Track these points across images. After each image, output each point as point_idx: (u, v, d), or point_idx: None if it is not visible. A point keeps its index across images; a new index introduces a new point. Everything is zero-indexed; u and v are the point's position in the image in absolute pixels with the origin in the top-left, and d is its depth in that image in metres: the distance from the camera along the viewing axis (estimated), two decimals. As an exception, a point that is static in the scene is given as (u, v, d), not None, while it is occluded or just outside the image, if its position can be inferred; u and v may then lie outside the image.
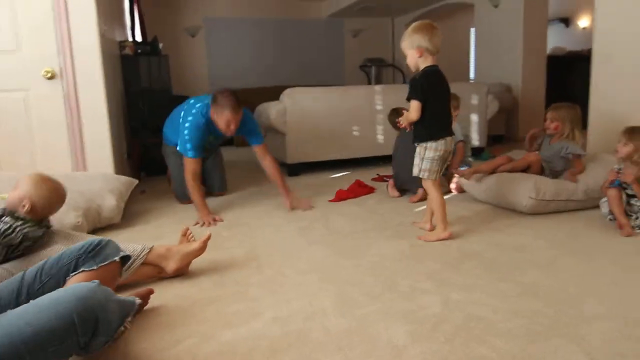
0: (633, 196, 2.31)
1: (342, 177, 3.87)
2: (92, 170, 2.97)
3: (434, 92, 2.18)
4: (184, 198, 3.06)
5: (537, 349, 1.28)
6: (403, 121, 2.25)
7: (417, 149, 2.27)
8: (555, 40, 7.72)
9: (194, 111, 2.87)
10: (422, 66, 2.18)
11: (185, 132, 2.82)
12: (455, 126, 3.13)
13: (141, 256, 1.78)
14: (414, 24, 2.19)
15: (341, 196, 3.12)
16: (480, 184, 2.84)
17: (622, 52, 3.10)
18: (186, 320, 1.51)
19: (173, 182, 3.26)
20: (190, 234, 1.99)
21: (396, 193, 3.14)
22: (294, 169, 4.05)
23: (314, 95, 4.13)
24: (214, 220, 2.68)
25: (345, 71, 7.98)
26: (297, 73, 7.32)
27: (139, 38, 5.38)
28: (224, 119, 2.74)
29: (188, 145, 2.79)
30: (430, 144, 2.20)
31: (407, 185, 3.12)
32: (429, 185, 2.27)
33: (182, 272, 1.88)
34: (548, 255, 1.98)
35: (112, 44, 3.75)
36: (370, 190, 3.32)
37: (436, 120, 2.21)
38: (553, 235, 2.25)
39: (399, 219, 2.61)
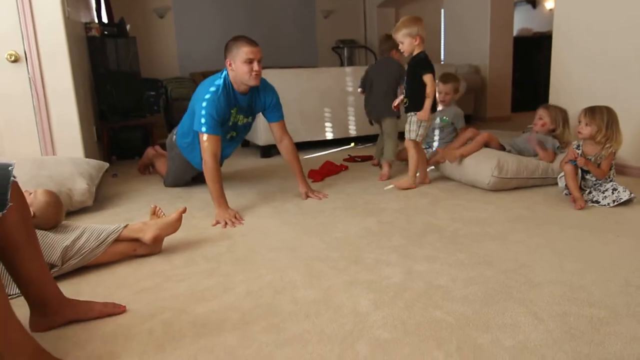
0: (588, 172, 2.45)
1: (314, 159, 3.93)
2: (62, 154, 2.95)
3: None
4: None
5: (488, 311, 1.39)
6: (429, 95, 2.71)
7: (411, 119, 2.78)
8: (522, 21, 7.88)
9: (210, 87, 2.49)
10: (416, 51, 2.71)
11: (203, 110, 2.43)
12: (454, 109, 3.23)
13: (116, 231, 1.82)
14: (409, 17, 2.69)
15: (320, 174, 3.17)
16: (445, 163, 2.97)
17: (581, 33, 3.22)
18: (159, 296, 1.57)
19: (168, 176, 3.11)
20: (159, 210, 2.04)
21: (385, 175, 3.15)
22: (265, 151, 4.09)
23: (284, 77, 4.15)
24: (235, 218, 2.33)
25: (317, 53, 7.96)
26: (269, 55, 7.20)
27: (105, 19, 5.27)
28: (243, 56, 2.36)
29: (203, 120, 2.42)
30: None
31: (384, 114, 3.25)
32: (412, 145, 2.82)
33: (157, 247, 1.92)
34: (505, 228, 2.10)
35: (77, 25, 3.68)
36: (341, 168, 3.40)
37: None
38: (512, 209, 2.38)
39: (367, 198, 2.70)
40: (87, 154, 3.08)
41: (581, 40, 3.22)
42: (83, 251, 1.73)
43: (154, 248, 1.92)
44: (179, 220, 1.94)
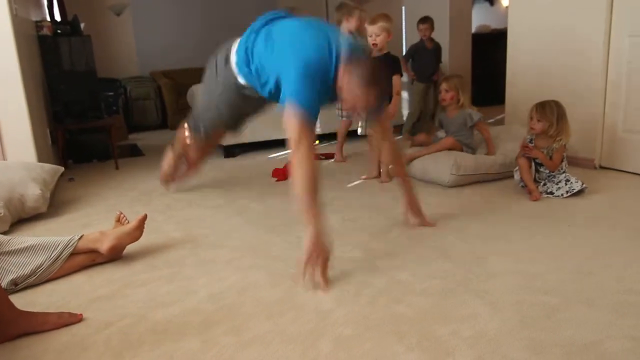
0: (541, 164, 2.53)
1: (279, 158, 3.91)
2: (12, 159, 2.82)
3: None
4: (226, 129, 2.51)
5: (447, 304, 1.42)
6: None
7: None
8: (480, 18, 8.08)
9: (309, 45, 1.81)
10: (386, 48, 2.89)
11: (295, 75, 1.74)
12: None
13: (70, 245, 1.75)
14: (383, 14, 2.84)
15: (284, 173, 3.15)
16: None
17: (533, 30, 3.33)
18: (117, 303, 1.53)
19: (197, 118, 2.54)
20: (124, 218, 1.98)
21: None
22: (229, 151, 4.04)
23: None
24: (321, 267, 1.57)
25: (280, 50, 7.93)
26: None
27: (58, 18, 5.07)
28: (357, 91, 1.74)
29: (300, 92, 1.72)
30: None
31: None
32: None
33: (117, 256, 1.87)
34: (463, 222, 2.15)
35: (27, 23, 3.53)
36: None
37: None
38: (470, 204, 2.44)
39: (331, 195, 2.70)
40: (41, 158, 2.96)
41: (533, 36, 3.32)
42: (38, 271, 1.65)
43: (113, 257, 1.86)
44: (138, 228, 1.88)
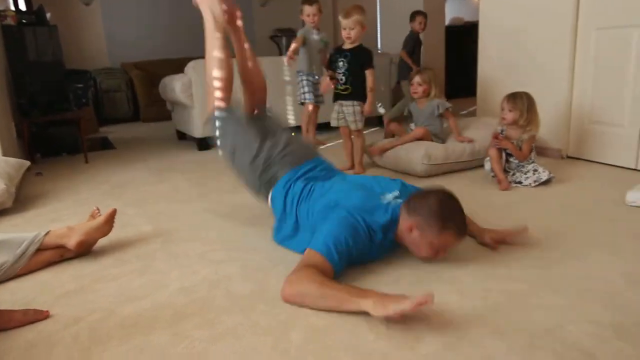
0: (511, 155, 2.58)
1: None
2: (-25, 153, 2.73)
3: None
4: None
5: (419, 292, 1.43)
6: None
7: (354, 108, 2.88)
8: (454, 11, 8.16)
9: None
10: (359, 41, 2.86)
11: (333, 227, 1.53)
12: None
13: (36, 241, 1.71)
14: (356, 6, 2.80)
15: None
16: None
17: (503, 23, 3.38)
18: (86, 298, 1.50)
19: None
20: (98, 213, 1.93)
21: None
22: (203, 143, 3.99)
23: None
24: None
25: (255, 42, 7.85)
26: (202, 44, 7.06)
27: (23, 7, 4.90)
28: (438, 239, 1.53)
29: (335, 246, 1.48)
30: (363, 104, 2.90)
31: None
32: (359, 134, 2.95)
33: (85, 251, 1.83)
34: (436, 211, 2.18)
35: (-12, 13, 3.40)
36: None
37: None
38: (443, 193, 2.47)
39: (305, 187, 2.71)
40: (5, 152, 2.88)
41: (503, 29, 3.38)
42: (2, 268, 1.61)
43: (82, 252, 1.82)
44: (107, 223, 1.84)
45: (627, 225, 1.92)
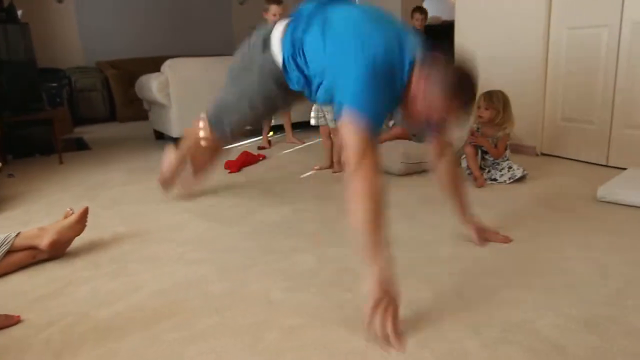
0: (487, 152, 2.62)
1: (231, 149, 3.86)
2: (-57, 154, 2.65)
3: None
4: (223, 135, 2.12)
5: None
6: None
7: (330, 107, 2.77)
8: (432, 10, 8.23)
9: (377, 48, 1.43)
10: None
11: (358, 76, 1.40)
12: None
13: (6, 242, 1.67)
14: None
15: (236, 165, 3.13)
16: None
17: (479, 22, 3.43)
18: (58, 302, 1.47)
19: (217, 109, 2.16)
20: (71, 214, 1.89)
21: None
22: (181, 143, 3.95)
23: (196, 66, 4.02)
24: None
25: (234, 40, 7.79)
26: (180, 42, 6.99)
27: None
28: (445, 106, 1.44)
29: (364, 98, 1.39)
30: None
31: None
32: (334, 132, 2.89)
33: (59, 252, 1.79)
34: (413, 209, 2.20)
35: (-44, 10, 3.30)
36: (259, 157, 3.38)
37: None
38: (420, 191, 2.50)
39: (284, 186, 2.71)
40: (-25, 153, 2.80)
41: (479, 28, 3.42)
42: None
43: (55, 253, 1.79)
44: (80, 222, 1.81)
45: (598, 220, 1.97)
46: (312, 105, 2.99)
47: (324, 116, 2.93)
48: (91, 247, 1.90)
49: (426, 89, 1.42)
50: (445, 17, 8.00)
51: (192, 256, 1.78)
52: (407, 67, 1.44)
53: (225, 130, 2.13)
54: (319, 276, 1.57)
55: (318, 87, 1.66)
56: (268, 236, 1.94)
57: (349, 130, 1.38)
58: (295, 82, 1.74)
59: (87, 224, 1.88)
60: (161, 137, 4.49)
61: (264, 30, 1.88)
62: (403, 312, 1.30)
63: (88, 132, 5.28)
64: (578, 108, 2.91)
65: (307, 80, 1.69)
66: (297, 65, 1.68)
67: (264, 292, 1.47)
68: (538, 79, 3.07)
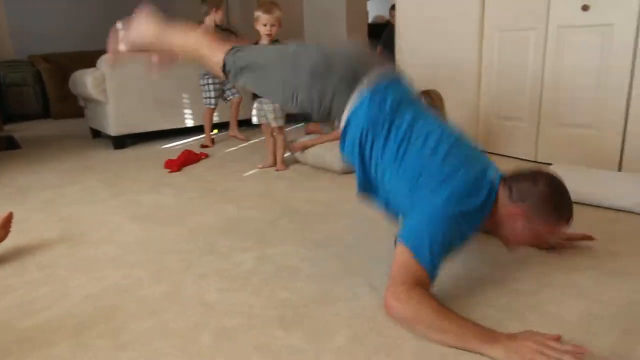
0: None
1: (173, 148, 3.77)
2: None
3: None
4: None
5: (332, 287, 1.47)
6: None
7: (274, 105, 2.85)
8: (376, 9, 8.39)
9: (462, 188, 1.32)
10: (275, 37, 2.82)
11: (431, 221, 1.28)
12: None
13: None
14: (274, 3, 2.80)
15: (177, 164, 3.05)
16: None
17: (418, 21, 3.52)
18: (-22, 313, 1.39)
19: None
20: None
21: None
22: (119, 142, 3.80)
23: (135, 61, 3.87)
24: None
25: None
26: (122, 36, 6.70)
27: None
28: (548, 229, 1.38)
29: (432, 251, 1.25)
30: None
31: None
32: (280, 131, 2.95)
33: (-23, 263, 1.69)
34: (352, 206, 2.23)
35: None
36: (201, 156, 3.32)
37: None
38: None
39: (227, 185, 2.67)
40: None
41: (418, 28, 3.52)
42: None
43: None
44: (3, 227, 1.72)
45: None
46: (253, 104, 2.97)
47: (265, 115, 2.91)
48: (17, 254, 1.80)
49: (525, 223, 1.33)
50: (388, 16, 8.17)
51: (127, 259, 1.73)
52: (491, 201, 1.34)
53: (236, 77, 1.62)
54: (257, 276, 1.56)
55: (376, 184, 1.50)
56: (207, 237, 1.92)
57: (403, 266, 1.26)
58: (348, 151, 1.53)
59: (13, 229, 1.78)
60: (98, 135, 4.31)
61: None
62: (342, 309, 1.32)
63: (19, 130, 4.99)
64: (509, 106, 3.06)
65: (365, 171, 1.51)
66: (362, 154, 1.47)
67: (200, 295, 1.45)
68: (474, 79, 3.20)
